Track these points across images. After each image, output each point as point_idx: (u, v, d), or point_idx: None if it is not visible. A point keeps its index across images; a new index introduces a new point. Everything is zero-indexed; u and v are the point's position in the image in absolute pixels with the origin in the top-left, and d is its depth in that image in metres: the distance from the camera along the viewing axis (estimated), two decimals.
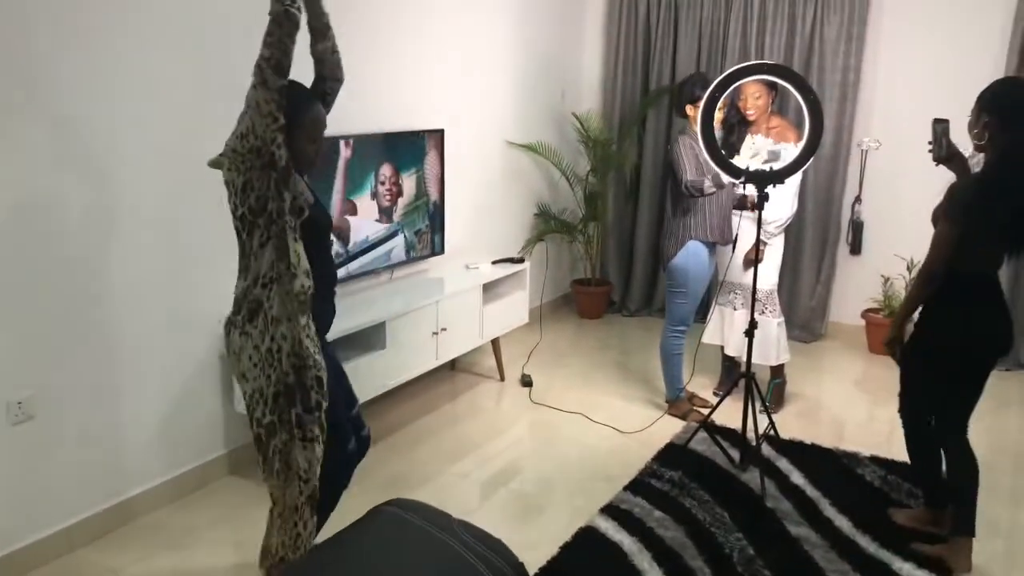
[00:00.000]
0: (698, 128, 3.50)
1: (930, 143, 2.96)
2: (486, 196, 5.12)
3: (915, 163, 5.14)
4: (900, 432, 3.92)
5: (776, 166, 3.58)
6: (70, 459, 2.96)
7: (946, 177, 3.18)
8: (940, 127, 2.91)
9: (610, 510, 3.30)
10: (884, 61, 5.22)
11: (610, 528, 3.16)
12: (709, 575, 2.89)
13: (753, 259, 3.82)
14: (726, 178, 3.69)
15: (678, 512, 3.28)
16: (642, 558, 2.97)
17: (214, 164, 2.31)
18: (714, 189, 3.83)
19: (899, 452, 3.82)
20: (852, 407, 4.50)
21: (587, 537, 3.12)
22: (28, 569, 2.83)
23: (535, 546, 3.01)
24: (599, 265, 6.00)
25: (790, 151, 3.89)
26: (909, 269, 5.18)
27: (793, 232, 5.44)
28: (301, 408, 2.33)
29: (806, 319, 5.52)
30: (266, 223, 2.24)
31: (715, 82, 3.45)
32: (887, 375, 4.91)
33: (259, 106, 2.14)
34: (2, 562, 2.77)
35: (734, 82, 3.46)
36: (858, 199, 5.37)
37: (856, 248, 5.42)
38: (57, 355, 2.87)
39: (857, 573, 2.91)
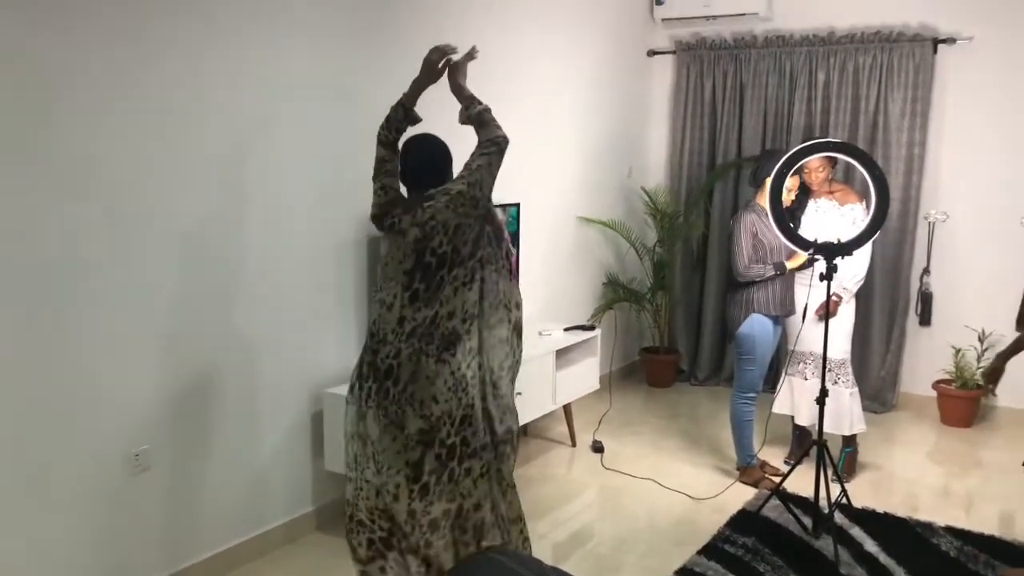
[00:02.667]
0: (767, 203, 3.66)
1: None
2: (558, 266, 5.32)
3: (982, 235, 5.24)
4: (977, 504, 3.93)
5: (844, 233, 3.69)
6: (174, 511, 3.17)
7: (1013, 248, 3.26)
8: None
9: (684, 572, 3.37)
10: (948, 135, 5.33)
11: None
12: None
13: (824, 314, 3.84)
14: (791, 263, 3.88)
15: None
16: None
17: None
18: (773, 274, 3.98)
19: (976, 523, 3.82)
20: (926, 478, 4.49)
21: None
22: None
23: None
24: (667, 334, 6.11)
25: (858, 211, 4.05)
26: (980, 340, 5.19)
27: (863, 302, 5.50)
28: (471, 433, 2.61)
29: (877, 389, 5.53)
30: (474, 266, 2.61)
31: (783, 159, 3.62)
32: (960, 447, 4.91)
33: (491, 167, 2.63)
34: None
35: (802, 159, 3.62)
36: (926, 270, 5.42)
37: (926, 319, 5.44)
38: (171, 411, 3.11)
39: None
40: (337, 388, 3.70)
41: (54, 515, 2.79)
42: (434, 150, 2.77)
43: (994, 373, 3.11)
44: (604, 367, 5.56)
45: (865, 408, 5.41)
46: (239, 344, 3.34)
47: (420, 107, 2.82)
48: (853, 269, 4.14)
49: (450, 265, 2.59)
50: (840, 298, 4.19)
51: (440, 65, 2.77)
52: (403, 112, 2.78)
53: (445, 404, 2.57)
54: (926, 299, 5.43)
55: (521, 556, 1.94)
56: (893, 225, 5.36)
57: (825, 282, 3.57)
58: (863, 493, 4.15)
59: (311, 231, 3.60)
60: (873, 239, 3.71)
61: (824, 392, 3.67)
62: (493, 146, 2.66)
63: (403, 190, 2.80)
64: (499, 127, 2.70)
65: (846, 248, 3.56)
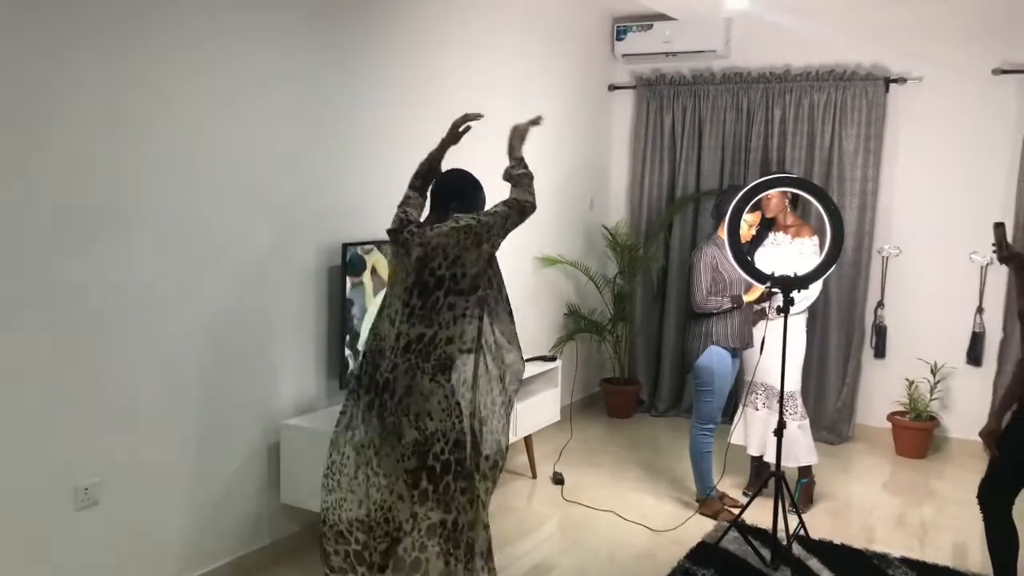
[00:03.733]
0: (725, 237, 3.71)
1: (993, 245, 3.10)
2: (516, 302, 5.30)
3: (935, 269, 5.36)
4: (931, 534, 3.98)
5: (797, 266, 3.76)
6: (126, 545, 3.09)
7: (964, 283, 3.32)
8: (999, 231, 3.08)
9: None
10: (901, 171, 5.47)
11: None
12: None
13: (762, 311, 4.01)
14: (748, 296, 3.96)
15: None
16: None
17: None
18: (729, 307, 4.04)
19: (930, 554, 3.87)
20: (881, 508, 4.54)
21: None
22: None
23: None
24: (628, 364, 6.14)
25: (808, 245, 4.14)
26: (933, 372, 5.29)
27: (818, 335, 5.59)
28: (464, 456, 2.77)
29: (833, 421, 5.60)
30: (475, 302, 2.76)
31: (740, 193, 3.68)
32: (915, 478, 4.99)
33: (505, 220, 2.79)
34: None
35: (759, 193, 3.69)
36: (880, 304, 5.52)
37: (880, 351, 5.54)
38: (121, 442, 3.04)
39: None
40: (294, 419, 3.66)
41: None
42: (464, 180, 2.98)
43: (991, 435, 3.14)
44: (565, 398, 5.56)
45: (821, 439, 5.53)
46: (193, 373, 3.28)
47: None
48: (803, 292, 4.19)
49: (447, 290, 2.74)
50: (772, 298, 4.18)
51: (460, 129, 3.01)
52: (427, 166, 3.03)
53: (440, 423, 2.75)
54: (880, 332, 5.53)
55: None
56: (848, 259, 5.47)
57: (781, 315, 3.62)
58: (820, 524, 4.19)
59: (271, 260, 3.57)
60: (828, 272, 3.79)
61: (782, 424, 3.71)
62: (516, 204, 2.83)
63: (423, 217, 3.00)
64: (532, 193, 2.87)
65: (802, 281, 3.62)
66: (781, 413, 3.74)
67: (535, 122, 3.00)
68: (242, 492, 3.53)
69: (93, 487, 2.95)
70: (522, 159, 2.94)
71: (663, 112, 6.05)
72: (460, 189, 2.96)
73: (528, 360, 4.76)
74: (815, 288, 4.24)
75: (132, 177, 2.99)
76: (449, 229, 2.74)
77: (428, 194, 3.03)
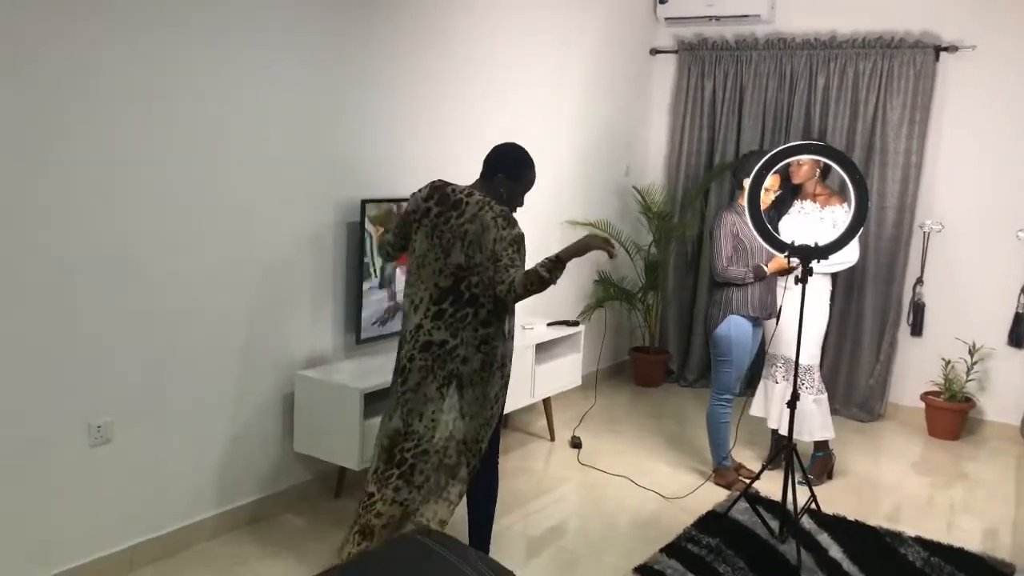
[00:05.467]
0: (746, 203, 3.64)
1: None
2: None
3: (978, 247, 5.18)
4: (957, 516, 3.90)
5: (823, 236, 3.65)
6: (139, 484, 3.20)
7: (1008, 261, 3.21)
8: None
9: (643, 570, 3.36)
10: (947, 144, 5.27)
11: None
12: None
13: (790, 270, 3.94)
14: (769, 267, 3.90)
15: None
16: None
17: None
18: (752, 280, 3.96)
19: (954, 536, 3.78)
20: (907, 488, 4.44)
21: None
22: None
23: None
24: (658, 334, 6.09)
25: (839, 214, 4.03)
26: (971, 353, 5.13)
27: (853, 310, 5.47)
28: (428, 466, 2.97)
29: (864, 398, 5.48)
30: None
31: (763, 160, 3.60)
32: (945, 459, 4.86)
33: (510, 269, 2.78)
34: (69, 574, 3.00)
35: (781, 160, 3.60)
36: (920, 280, 5.36)
37: (917, 329, 5.39)
38: (138, 384, 3.14)
39: None
40: (310, 371, 3.72)
41: (9, 488, 2.82)
42: (514, 152, 2.99)
43: None
44: (591, 365, 5.56)
45: (852, 417, 5.43)
46: (211, 322, 3.36)
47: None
48: (840, 257, 4.01)
49: (476, 307, 2.85)
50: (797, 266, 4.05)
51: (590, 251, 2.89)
52: (555, 261, 2.82)
53: (424, 429, 2.92)
54: (918, 309, 5.38)
55: (450, 541, 1.95)
56: (888, 234, 5.32)
57: (800, 285, 3.55)
58: (839, 500, 4.12)
59: (289, 213, 3.62)
60: (855, 241, 3.70)
61: (796, 396, 3.64)
62: (507, 289, 2.76)
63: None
64: (524, 288, 2.75)
65: (823, 251, 3.53)
66: (795, 385, 3.67)
67: (609, 251, 2.88)
68: (256, 439, 3.62)
69: (106, 425, 3.05)
70: (557, 263, 2.78)
71: (704, 78, 5.92)
72: (509, 160, 2.96)
73: (550, 324, 4.82)
74: (852, 252, 4.15)
75: (157, 128, 3.05)
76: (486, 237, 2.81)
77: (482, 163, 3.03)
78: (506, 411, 4.52)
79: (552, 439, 4.85)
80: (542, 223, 5.20)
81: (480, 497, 3.15)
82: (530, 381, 4.51)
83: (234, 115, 3.34)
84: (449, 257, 2.86)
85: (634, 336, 6.25)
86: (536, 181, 3.05)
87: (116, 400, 3.08)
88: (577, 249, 2.82)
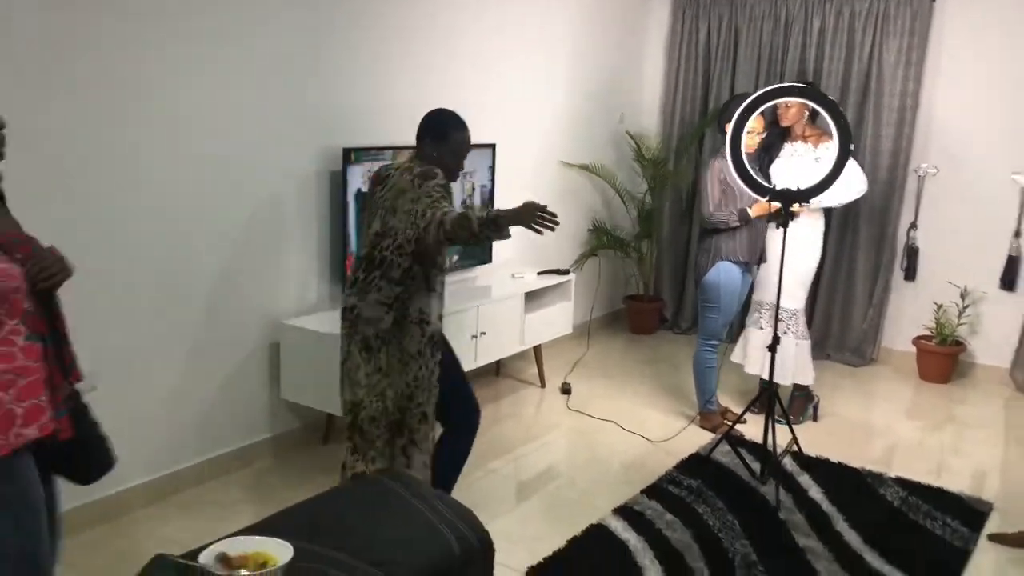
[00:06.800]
0: (727, 147, 3.62)
1: None
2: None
3: (972, 191, 5.13)
4: (944, 458, 3.92)
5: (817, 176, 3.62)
6: (127, 429, 3.26)
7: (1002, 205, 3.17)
8: None
9: (623, 511, 3.42)
10: (943, 86, 5.19)
11: (620, 527, 3.29)
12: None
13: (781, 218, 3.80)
14: (754, 211, 3.87)
15: (689, 517, 3.38)
16: (644, 556, 3.09)
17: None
18: (737, 224, 3.95)
19: (945, 479, 3.82)
20: (896, 431, 4.47)
21: (596, 534, 3.25)
22: (84, 527, 3.15)
23: (547, 538, 3.18)
24: (652, 282, 6.10)
25: (833, 150, 4.01)
26: (963, 297, 5.13)
27: (846, 254, 5.46)
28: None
29: (857, 342, 5.50)
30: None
31: (744, 104, 3.57)
32: (936, 402, 4.89)
33: (428, 230, 2.68)
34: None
35: (761, 105, 3.57)
36: (914, 224, 5.33)
37: (911, 274, 5.38)
38: (125, 331, 3.19)
39: None
40: (295, 320, 3.77)
41: None
42: (437, 117, 2.94)
43: None
44: (584, 313, 5.60)
45: (844, 361, 5.45)
46: (197, 271, 3.41)
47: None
48: (840, 191, 3.98)
49: (386, 267, 2.86)
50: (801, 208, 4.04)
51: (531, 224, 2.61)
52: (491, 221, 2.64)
53: (364, 395, 2.92)
54: (912, 253, 5.36)
55: (413, 482, 2.00)
56: (882, 177, 5.27)
57: (781, 229, 3.55)
58: (826, 443, 4.16)
59: (273, 162, 3.63)
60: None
61: (776, 339, 3.66)
62: (436, 230, 2.66)
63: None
64: (453, 230, 2.62)
65: (804, 195, 3.52)
66: (776, 327, 3.69)
67: (538, 230, 2.59)
68: (244, 386, 3.68)
69: (91, 375, 3.10)
70: (492, 224, 2.58)
71: (699, 20, 5.84)
72: (432, 125, 2.93)
73: (541, 273, 4.84)
74: (860, 183, 4.19)
75: (144, 87, 3.06)
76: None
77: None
78: (497, 359, 4.60)
79: (543, 386, 4.91)
80: (532, 162, 5.19)
81: (445, 449, 3.11)
82: (519, 329, 4.55)
83: (213, 64, 3.34)
84: (370, 228, 2.90)
85: (629, 284, 6.26)
86: (470, 142, 2.96)
87: (100, 349, 3.13)
88: (514, 216, 2.59)
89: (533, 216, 2.53)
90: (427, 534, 1.87)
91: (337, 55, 3.84)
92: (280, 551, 1.60)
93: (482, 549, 1.94)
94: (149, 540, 3.10)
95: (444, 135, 2.90)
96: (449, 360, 3.05)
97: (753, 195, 3.76)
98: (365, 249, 2.92)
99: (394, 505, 1.91)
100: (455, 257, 4.46)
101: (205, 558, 1.59)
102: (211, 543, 1.66)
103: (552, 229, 2.55)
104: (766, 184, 3.62)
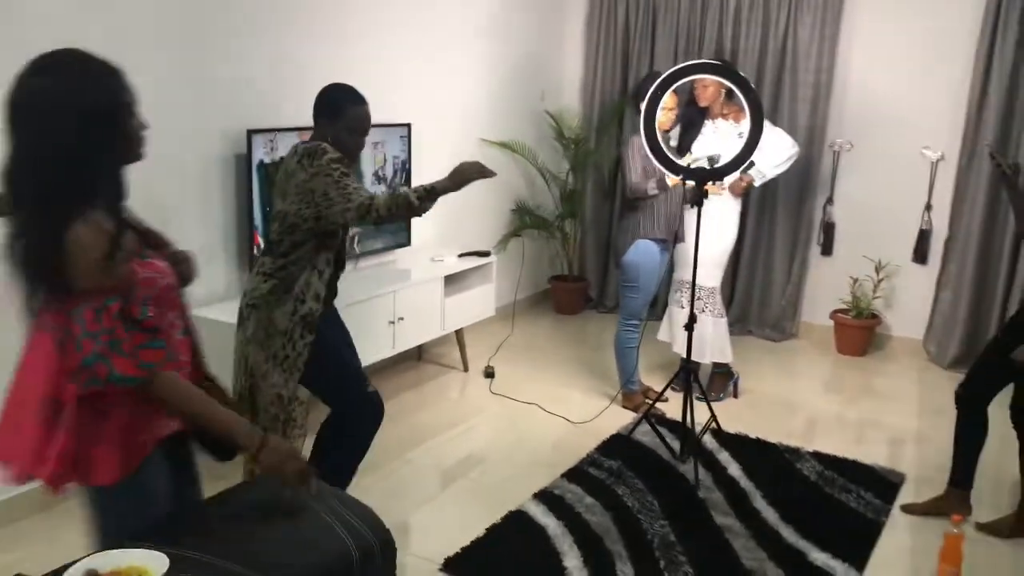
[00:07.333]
0: (641, 125, 3.58)
1: (998, 166, 3.06)
2: (461, 192, 5.18)
3: (886, 165, 5.22)
4: (866, 431, 3.96)
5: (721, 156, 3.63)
6: None
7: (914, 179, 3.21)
8: (990, 147, 3.05)
9: (542, 495, 3.39)
10: (857, 62, 5.25)
11: (539, 512, 3.25)
12: (626, 558, 2.97)
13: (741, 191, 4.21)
14: (671, 180, 3.82)
15: (608, 499, 3.36)
16: (563, 541, 3.05)
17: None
18: (656, 191, 3.93)
19: (863, 451, 3.88)
20: (814, 405, 4.54)
21: (515, 520, 3.20)
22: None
23: (466, 527, 3.12)
24: (577, 262, 6.08)
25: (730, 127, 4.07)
26: (877, 270, 5.22)
27: (765, 230, 5.50)
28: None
29: (776, 318, 5.56)
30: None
31: (656, 82, 3.53)
32: (853, 375, 4.98)
33: (345, 213, 2.60)
34: None
35: (675, 81, 3.54)
36: (830, 200, 5.40)
37: (827, 249, 5.46)
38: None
39: (772, 562, 2.98)
40: (201, 311, 3.61)
41: None
42: (326, 95, 2.79)
43: None
44: (508, 295, 5.54)
45: (765, 337, 5.51)
46: None
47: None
48: (772, 155, 4.23)
49: (272, 246, 2.81)
50: (751, 180, 4.25)
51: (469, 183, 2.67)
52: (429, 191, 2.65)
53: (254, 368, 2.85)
54: (828, 229, 5.43)
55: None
56: (799, 153, 5.30)
57: (697, 208, 3.53)
58: (746, 419, 4.19)
59: (175, 147, 3.45)
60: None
61: (692, 318, 3.66)
62: (360, 211, 2.60)
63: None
64: (388, 209, 2.59)
65: (718, 173, 3.51)
66: (692, 306, 3.68)
67: (485, 174, 2.65)
68: None
69: None
70: (431, 193, 2.61)
71: (616, 1, 5.80)
72: (324, 102, 2.76)
73: (462, 255, 4.76)
74: (789, 147, 4.35)
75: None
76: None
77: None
78: (416, 344, 4.51)
79: (466, 370, 4.84)
80: (456, 139, 5.09)
81: (329, 435, 2.97)
82: (439, 313, 4.46)
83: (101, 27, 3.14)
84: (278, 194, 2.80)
85: (553, 265, 6.23)
86: (369, 117, 2.78)
87: None
88: (454, 183, 2.63)
89: (476, 171, 2.63)
90: (322, 535, 1.78)
91: (239, 28, 3.68)
92: (154, 563, 1.49)
93: (383, 549, 1.86)
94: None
95: (338, 111, 2.73)
96: (330, 346, 2.86)
97: (665, 172, 3.74)
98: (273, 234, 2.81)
99: (286, 506, 1.83)
100: (357, 242, 4.30)
101: None
102: (80, 558, 1.55)
103: (494, 174, 2.68)
104: (679, 162, 3.59)
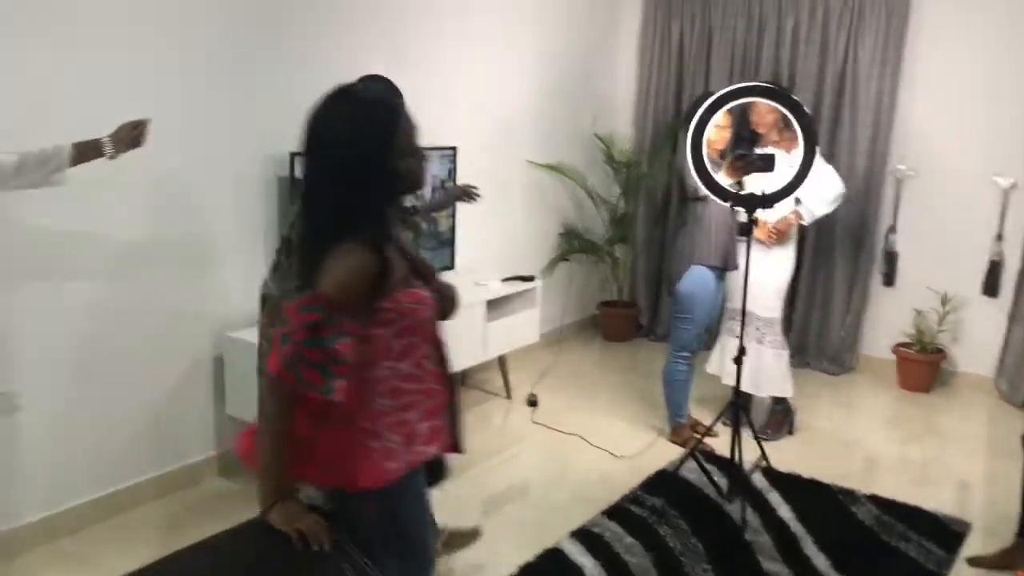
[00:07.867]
0: (688, 149, 3.46)
1: None
2: (504, 214, 5.12)
3: (952, 193, 4.98)
4: (929, 473, 3.86)
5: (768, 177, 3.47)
6: (58, 449, 3.09)
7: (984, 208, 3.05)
8: None
9: (581, 533, 3.25)
10: (920, 86, 5.04)
11: (576, 551, 3.12)
12: None
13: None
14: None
15: (650, 539, 3.21)
16: None
17: None
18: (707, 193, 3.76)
19: (926, 494, 3.67)
20: (874, 443, 4.31)
21: (551, 558, 3.08)
22: (11, 555, 2.97)
23: (501, 563, 3.01)
24: (628, 288, 5.94)
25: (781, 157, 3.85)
26: (943, 303, 4.97)
27: (823, 260, 5.30)
28: None
29: (835, 350, 5.34)
30: None
31: (705, 104, 3.41)
32: (916, 413, 4.73)
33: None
34: None
35: (727, 103, 3.41)
36: (892, 228, 5.18)
37: (890, 279, 5.22)
38: (59, 347, 3.02)
39: None
40: (240, 332, 3.59)
41: None
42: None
43: None
44: (555, 320, 5.43)
45: (823, 370, 5.30)
46: (136, 282, 3.24)
47: None
48: (822, 193, 4.01)
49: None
50: (800, 217, 4.06)
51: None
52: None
53: None
54: (891, 259, 5.20)
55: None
56: (859, 180, 5.11)
57: (746, 237, 3.39)
58: (801, 457, 3.99)
59: (217, 168, 3.46)
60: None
61: (742, 350, 3.50)
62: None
63: None
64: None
65: (768, 200, 3.36)
66: (742, 336, 3.52)
67: (471, 196, 2.73)
68: (187, 402, 3.51)
69: (26, 390, 2.94)
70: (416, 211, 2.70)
71: (671, 20, 5.69)
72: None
73: (506, 279, 4.68)
74: (833, 187, 4.10)
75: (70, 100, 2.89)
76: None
77: None
78: (459, 368, 4.41)
79: (508, 397, 4.74)
80: (498, 164, 5.01)
81: None
82: (482, 338, 4.38)
83: (152, 53, 3.16)
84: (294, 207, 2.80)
85: (603, 290, 6.10)
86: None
87: (36, 365, 2.96)
88: (440, 204, 2.71)
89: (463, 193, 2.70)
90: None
91: (286, 55, 3.67)
92: None
93: None
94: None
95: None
96: None
97: (713, 198, 3.59)
98: (286, 229, 2.70)
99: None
100: None
101: None
102: None
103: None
104: (728, 189, 3.45)
